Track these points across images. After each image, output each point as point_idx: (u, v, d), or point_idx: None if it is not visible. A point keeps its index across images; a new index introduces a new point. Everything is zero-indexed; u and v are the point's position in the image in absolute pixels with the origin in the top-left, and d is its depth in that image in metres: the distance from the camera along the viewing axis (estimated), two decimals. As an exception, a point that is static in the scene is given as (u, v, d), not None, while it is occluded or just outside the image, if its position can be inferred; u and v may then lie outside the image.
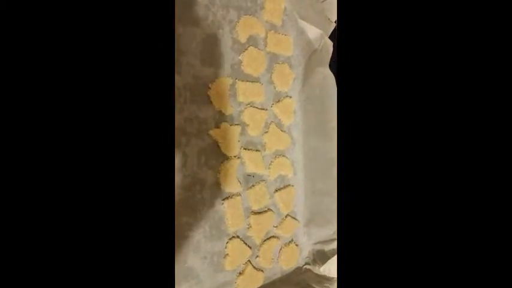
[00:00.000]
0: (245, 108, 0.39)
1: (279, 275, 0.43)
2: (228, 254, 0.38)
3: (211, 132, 0.36)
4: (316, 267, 0.45)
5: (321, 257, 0.45)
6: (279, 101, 0.42)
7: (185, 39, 0.34)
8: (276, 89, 0.42)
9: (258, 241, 0.41)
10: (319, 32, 0.42)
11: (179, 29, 0.33)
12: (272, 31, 0.41)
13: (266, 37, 0.40)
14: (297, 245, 0.45)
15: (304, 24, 0.42)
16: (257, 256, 0.41)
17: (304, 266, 0.46)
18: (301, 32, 0.43)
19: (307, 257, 0.46)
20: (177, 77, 0.33)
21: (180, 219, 0.34)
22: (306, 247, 0.46)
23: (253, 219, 0.40)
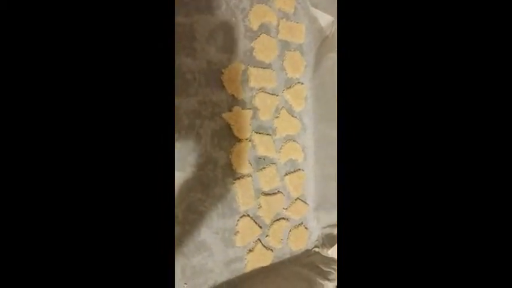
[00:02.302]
0: (257, 93, 0.41)
1: (287, 256, 0.45)
2: (238, 231, 0.40)
3: (223, 115, 0.38)
4: (325, 250, 0.46)
5: (329, 240, 0.47)
6: (290, 87, 0.43)
7: (200, 26, 0.36)
8: (288, 75, 0.43)
9: (267, 221, 0.42)
10: (330, 19, 0.43)
11: (194, 17, 0.35)
12: (284, 19, 0.42)
13: (278, 25, 0.42)
14: (306, 228, 0.47)
15: (316, 11, 0.43)
16: (267, 235, 0.43)
17: (313, 249, 0.47)
18: (314, 20, 0.44)
19: (317, 240, 0.48)
20: (191, 62, 0.35)
21: (194, 196, 0.37)
22: (316, 231, 0.48)
23: (263, 200, 0.42)
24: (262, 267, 0.42)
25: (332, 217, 0.47)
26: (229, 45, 0.38)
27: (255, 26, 0.40)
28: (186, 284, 0.36)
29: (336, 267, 0.44)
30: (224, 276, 0.39)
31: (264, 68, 0.41)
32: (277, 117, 0.43)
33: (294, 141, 0.44)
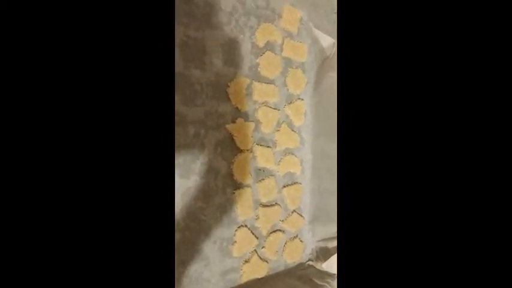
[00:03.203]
0: (259, 107, 0.42)
1: (282, 268, 0.45)
2: (236, 241, 0.40)
3: (227, 126, 0.39)
4: (319, 264, 0.47)
5: (324, 254, 0.47)
6: (291, 102, 0.45)
7: (210, 40, 0.37)
8: (289, 91, 0.45)
9: (264, 232, 0.43)
10: (332, 41, 0.45)
11: (205, 31, 0.37)
12: (288, 38, 0.44)
13: (282, 43, 0.44)
14: (301, 241, 0.47)
15: (318, 33, 0.46)
16: (263, 247, 0.43)
17: (307, 262, 0.48)
18: (315, 40, 0.46)
19: (311, 253, 0.48)
20: (201, 74, 0.37)
21: (195, 204, 0.37)
22: (310, 244, 0.48)
23: (261, 211, 0.43)
24: (257, 279, 0.43)
25: (327, 231, 0.47)
26: (236, 60, 0.40)
27: (261, 43, 0.42)
28: (182, 293, 0.36)
29: (330, 281, 0.44)
30: (220, 286, 0.39)
31: (267, 83, 0.43)
32: (278, 130, 0.44)
33: (292, 154, 0.46)
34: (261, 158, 0.42)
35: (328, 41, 0.46)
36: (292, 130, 0.46)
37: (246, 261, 0.41)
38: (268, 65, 0.42)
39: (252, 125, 0.41)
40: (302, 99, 0.46)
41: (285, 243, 0.46)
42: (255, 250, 0.42)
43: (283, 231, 0.45)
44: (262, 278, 0.43)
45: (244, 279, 0.41)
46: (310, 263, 0.48)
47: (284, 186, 0.45)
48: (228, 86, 0.39)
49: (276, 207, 0.44)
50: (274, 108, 0.44)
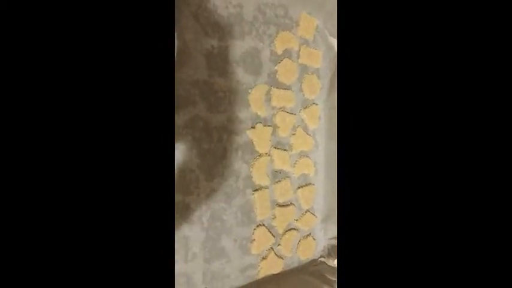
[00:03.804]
0: (277, 112, 0.44)
1: (296, 264, 0.48)
2: (254, 239, 0.43)
3: (247, 131, 0.41)
4: (330, 260, 0.50)
5: (335, 251, 0.50)
6: (306, 107, 0.47)
7: (232, 50, 0.39)
8: (305, 96, 0.47)
9: (280, 231, 0.45)
10: (346, 48, 0.47)
11: (228, 41, 0.39)
12: (305, 45, 0.46)
13: (299, 50, 0.46)
14: (314, 239, 0.50)
15: (333, 40, 0.48)
16: (279, 244, 0.45)
17: (319, 259, 0.50)
18: (330, 47, 0.48)
19: (322, 250, 0.51)
20: (224, 82, 0.39)
21: (217, 204, 0.39)
22: (322, 242, 0.51)
23: (277, 210, 0.45)
24: (273, 275, 0.45)
25: (338, 229, 0.50)
26: (256, 68, 0.42)
27: (279, 51, 0.43)
28: (206, 287, 0.39)
29: (341, 276, 0.47)
30: (239, 281, 0.42)
31: (284, 89, 0.44)
32: (293, 134, 0.46)
33: (307, 157, 0.48)
34: (278, 160, 0.44)
35: (343, 48, 0.47)
36: (307, 133, 0.47)
37: (264, 258, 0.44)
38: (285, 72, 0.44)
39: (270, 130, 0.43)
40: (317, 104, 0.48)
41: (299, 241, 0.48)
42: (271, 248, 0.45)
43: (298, 230, 0.48)
44: (277, 274, 0.46)
45: (261, 275, 0.44)
46: (322, 259, 0.50)
47: (299, 187, 0.47)
48: (249, 93, 0.41)
49: (291, 207, 0.47)
50: (291, 113, 0.45)
